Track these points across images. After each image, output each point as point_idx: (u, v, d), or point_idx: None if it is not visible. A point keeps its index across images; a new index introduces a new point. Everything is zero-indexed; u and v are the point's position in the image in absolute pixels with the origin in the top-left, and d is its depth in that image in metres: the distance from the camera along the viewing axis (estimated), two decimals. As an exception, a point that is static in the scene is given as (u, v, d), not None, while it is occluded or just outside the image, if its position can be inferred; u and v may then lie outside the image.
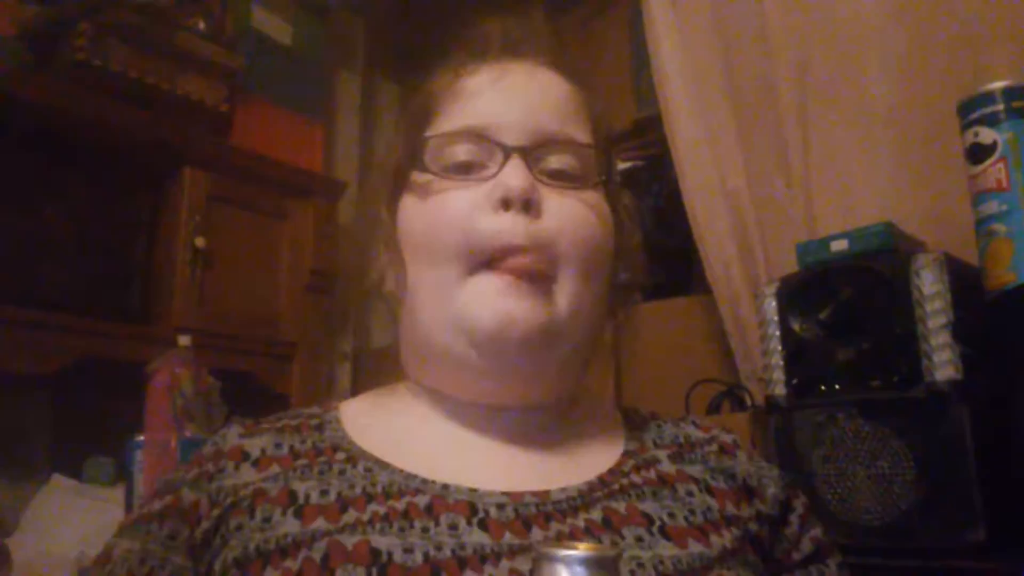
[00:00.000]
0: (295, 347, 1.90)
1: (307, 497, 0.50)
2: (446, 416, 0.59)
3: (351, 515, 0.49)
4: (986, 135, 1.00)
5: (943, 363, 1.00)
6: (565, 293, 0.55)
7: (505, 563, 0.47)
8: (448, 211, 0.55)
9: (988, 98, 1.01)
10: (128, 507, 1.40)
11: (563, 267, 0.55)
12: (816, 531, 0.62)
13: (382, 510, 0.49)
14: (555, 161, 0.58)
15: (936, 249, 1.10)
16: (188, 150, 1.73)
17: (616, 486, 0.54)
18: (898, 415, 1.03)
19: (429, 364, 0.59)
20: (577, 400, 0.63)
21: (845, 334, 1.11)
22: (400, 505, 0.50)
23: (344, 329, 2.26)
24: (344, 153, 2.32)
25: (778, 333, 1.18)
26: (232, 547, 0.49)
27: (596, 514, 0.52)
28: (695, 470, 0.58)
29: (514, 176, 0.54)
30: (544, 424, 0.59)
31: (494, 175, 0.55)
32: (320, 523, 0.49)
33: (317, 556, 0.46)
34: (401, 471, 0.53)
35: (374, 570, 0.45)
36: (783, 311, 1.18)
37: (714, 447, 0.62)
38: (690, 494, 0.55)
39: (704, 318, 1.63)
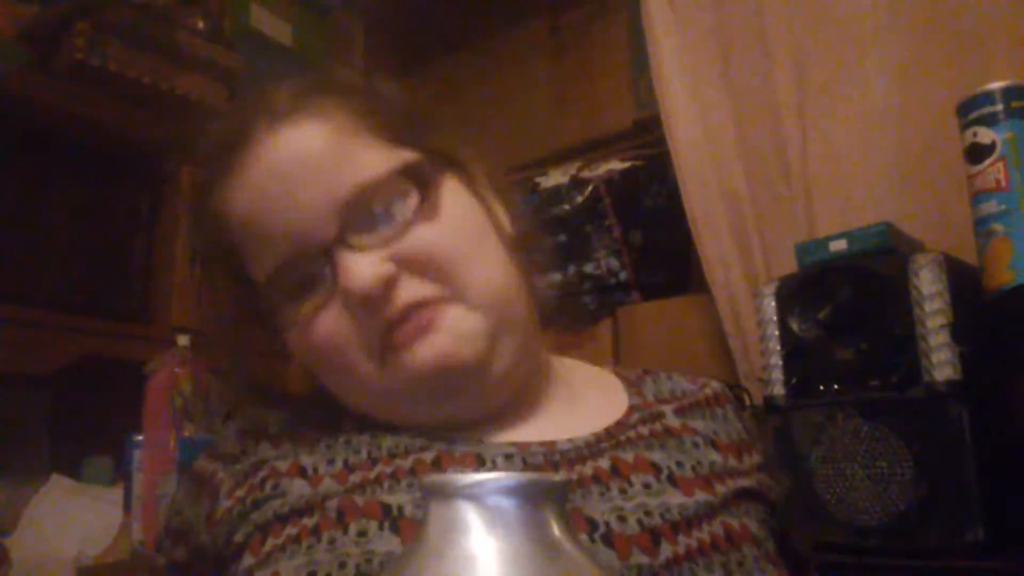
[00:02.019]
0: (294, 347, 1.90)
1: (315, 467, 0.52)
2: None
3: (358, 476, 0.50)
4: (985, 135, 1.00)
5: (942, 363, 1.00)
6: (470, 304, 0.53)
7: None
8: (325, 340, 0.53)
9: (987, 98, 1.01)
10: (127, 507, 1.40)
11: (452, 289, 0.53)
12: None
13: (389, 470, 0.50)
14: (372, 209, 0.52)
15: (935, 249, 1.10)
16: (187, 150, 1.72)
17: (623, 437, 0.54)
18: (897, 415, 1.03)
19: (395, 419, 0.56)
20: (561, 370, 0.63)
21: (844, 334, 1.11)
22: (407, 463, 0.50)
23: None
24: (343, 153, 2.32)
25: (777, 333, 1.18)
26: (252, 519, 0.50)
27: (604, 462, 0.51)
28: (698, 424, 0.58)
29: (353, 274, 0.50)
30: (543, 396, 0.58)
31: (335, 281, 0.51)
32: (329, 484, 0.50)
33: (332, 512, 0.47)
34: (405, 433, 0.54)
35: (386, 523, 0.46)
36: (782, 311, 1.17)
37: (708, 392, 0.63)
38: (696, 446, 0.55)
39: (703, 318, 1.63)
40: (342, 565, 0.44)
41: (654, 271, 1.74)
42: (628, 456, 0.52)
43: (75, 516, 1.46)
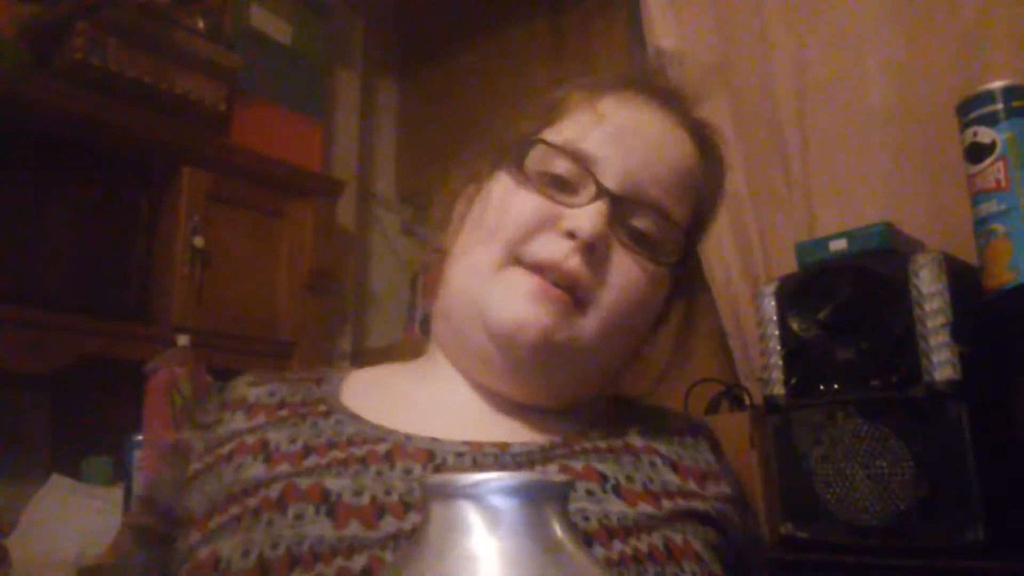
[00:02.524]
0: (294, 346, 1.90)
1: (277, 446, 0.54)
2: (426, 386, 0.61)
3: (312, 460, 0.52)
4: (985, 135, 1.00)
5: (942, 363, 1.00)
6: (590, 332, 0.55)
7: None
8: (519, 213, 0.56)
9: (987, 98, 1.01)
10: (127, 506, 1.40)
11: (599, 309, 0.55)
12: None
13: (341, 455, 0.52)
14: (639, 222, 0.57)
15: (935, 249, 1.10)
16: (187, 149, 1.72)
17: (578, 448, 0.56)
18: (897, 415, 1.03)
19: (447, 332, 0.60)
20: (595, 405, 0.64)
21: (844, 334, 1.11)
22: (360, 452, 0.52)
23: (343, 328, 2.26)
24: (343, 152, 2.32)
25: (777, 333, 1.18)
26: (206, 491, 0.53)
27: (552, 468, 0.53)
28: (662, 447, 0.59)
29: (592, 219, 0.54)
30: (535, 419, 0.59)
31: (579, 205, 0.55)
32: (283, 468, 0.52)
33: (274, 495, 0.49)
34: (369, 423, 0.56)
35: (323, 507, 0.48)
36: (782, 311, 1.18)
37: (684, 424, 0.64)
38: (652, 465, 0.56)
39: (703, 318, 1.63)
40: (275, 545, 0.46)
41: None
42: (577, 465, 0.53)
43: (75, 516, 1.46)
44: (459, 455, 0.52)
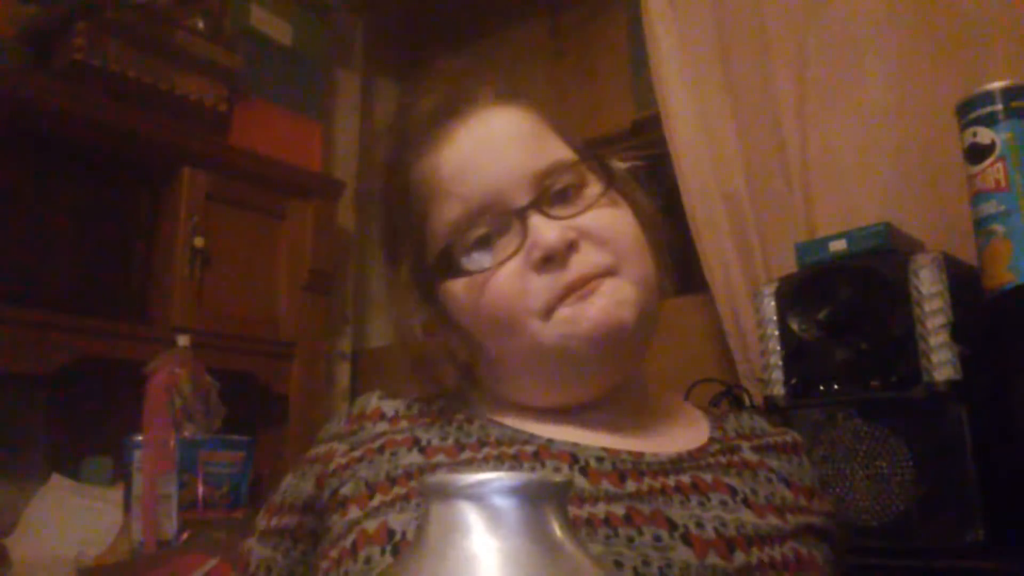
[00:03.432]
0: (294, 347, 1.90)
1: (429, 441, 0.57)
2: (554, 411, 0.62)
3: (467, 454, 0.55)
4: (985, 135, 1.00)
5: (942, 363, 1.00)
6: (630, 283, 0.58)
7: (602, 505, 0.51)
8: (501, 295, 0.58)
9: (987, 98, 1.01)
10: (127, 507, 1.40)
11: (620, 264, 0.58)
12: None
13: (495, 453, 0.55)
14: (557, 187, 0.59)
15: (935, 249, 1.10)
16: (187, 150, 1.72)
17: (704, 462, 0.58)
18: (897, 415, 1.03)
19: (516, 385, 0.62)
20: (651, 395, 0.67)
21: (844, 334, 1.11)
22: (511, 451, 0.55)
23: (343, 329, 2.26)
24: (343, 153, 2.32)
25: (777, 333, 1.18)
26: (362, 477, 0.55)
27: (685, 478, 0.55)
28: (774, 463, 0.61)
29: (543, 233, 0.56)
30: (638, 416, 0.62)
31: (522, 239, 0.57)
32: (441, 458, 0.55)
33: None
34: (511, 427, 0.59)
35: None
36: (782, 311, 1.18)
37: (788, 439, 0.66)
38: (769, 480, 0.59)
39: (703, 318, 1.63)
40: None
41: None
42: (707, 477, 0.56)
43: (74, 516, 1.46)
44: (599, 459, 0.55)
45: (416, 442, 0.57)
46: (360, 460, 0.57)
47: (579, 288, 0.56)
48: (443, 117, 0.63)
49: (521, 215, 0.58)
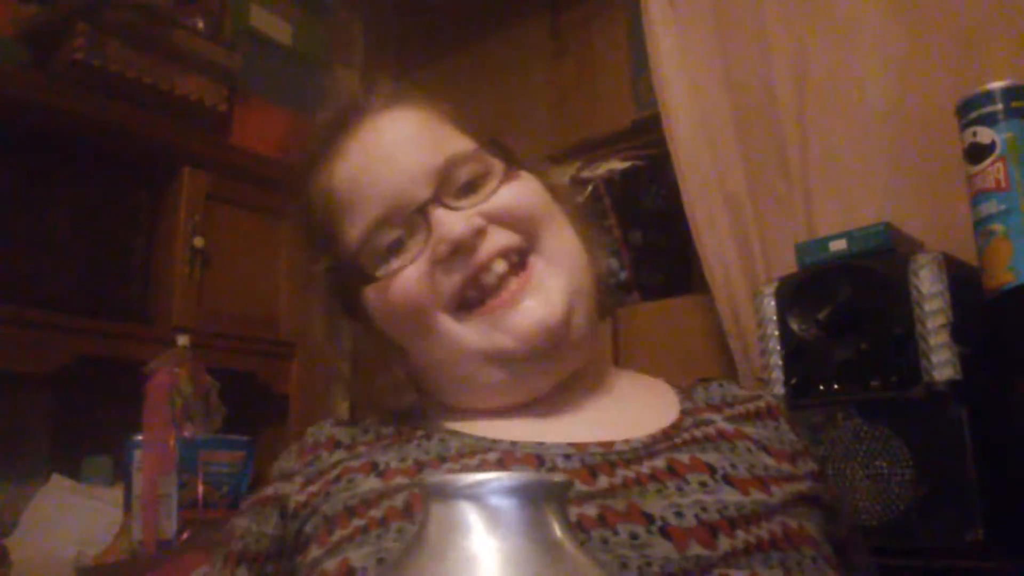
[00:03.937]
0: (294, 347, 1.90)
1: (387, 464, 0.55)
2: (512, 411, 0.61)
3: (428, 473, 0.53)
4: (985, 135, 1.00)
5: (942, 363, 1.00)
6: (552, 254, 0.58)
7: (573, 509, 0.48)
8: (407, 291, 0.58)
9: (987, 98, 1.01)
10: (127, 507, 1.41)
11: (535, 236, 0.58)
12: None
13: (456, 467, 0.53)
14: (460, 179, 0.60)
15: (935, 249, 1.10)
16: (187, 150, 1.73)
17: (678, 440, 0.56)
18: (897, 415, 1.03)
19: (464, 393, 0.61)
20: (613, 373, 0.66)
21: (844, 334, 1.11)
22: (473, 462, 0.53)
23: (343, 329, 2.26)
24: (343, 153, 2.32)
25: (777, 333, 1.18)
26: (322, 511, 0.53)
27: (660, 462, 0.53)
28: (750, 430, 0.59)
29: (446, 226, 0.56)
30: (577, 398, 0.61)
31: (427, 236, 0.57)
32: (400, 480, 0.52)
33: (399, 504, 0.50)
34: (472, 436, 0.57)
35: None
36: (782, 311, 1.17)
37: (761, 404, 0.64)
38: (748, 450, 0.56)
39: (703, 318, 1.63)
40: None
41: (654, 271, 1.74)
42: (683, 457, 0.53)
43: (75, 516, 1.46)
44: (566, 456, 0.53)
45: (374, 467, 0.55)
46: (319, 495, 0.55)
47: (499, 289, 0.56)
48: (334, 132, 0.64)
49: (423, 211, 0.58)
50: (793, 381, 1.14)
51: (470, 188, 0.59)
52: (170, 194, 1.72)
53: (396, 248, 0.59)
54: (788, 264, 1.30)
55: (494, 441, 0.55)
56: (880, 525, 1.02)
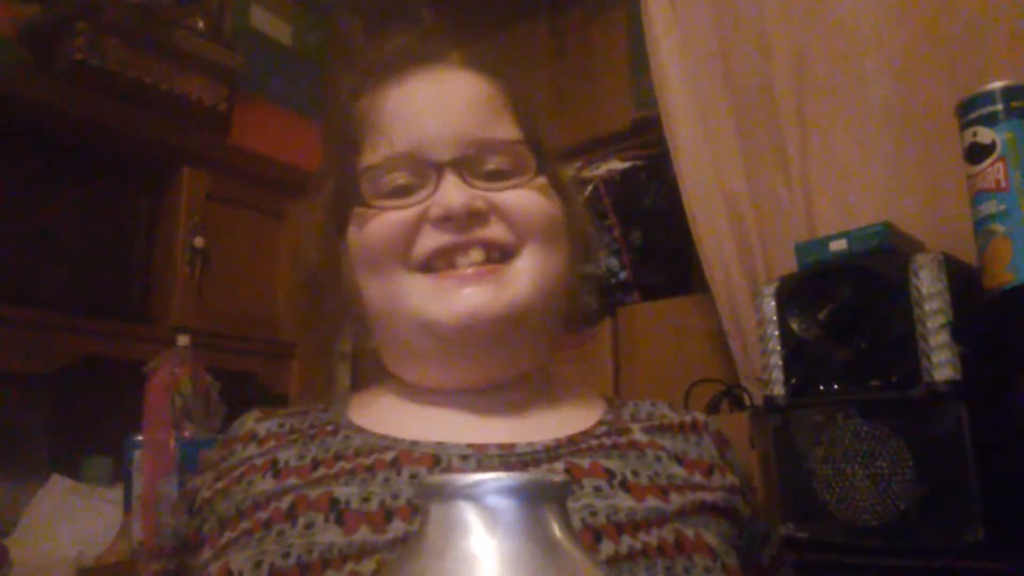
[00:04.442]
0: (294, 347, 1.90)
1: (286, 462, 0.55)
2: (420, 399, 0.61)
3: (320, 472, 0.53)
4: (985, 135, 1.00)
5: (942, 363, 1.00)
6: (526, 270, 0.57)
7: None
8: (387, 230, 0.57)
9: (987, 98, 1.01)
10: (127, 506, 1.40)
11: (522, 246, 0.58)
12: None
13: (349, 466, 0.53)
14: (489, 164, 0.59)
15: (935, 249, 1.10)
16: (187, 150, 1.72)
17: (584, 445, 0.56)
18: (897, 415, 1.03)
19: (400, 362, 0.62)
20: (554, 380, 0.65)
21: (844, 334, 1.11)
22: (367, 461, 0.53)
23: (343, 329, 2.26)
24: (343, 153, 2.32)
25: (777, 333, 1.18)
26: (218, 510, 0.54)
27: (558, 465, 0.53)
28: (667, 442, 0.59)
29: (450, 193, 0.56)
30: (514, 400, 0.60)
31: (431, 194, 0.57)
32: (292, 480, 0.53)
33: (284, 506, 0.50)
34: (375, 434, 0.57)
35: (332, 515, 0.49)
36: (782, 311, 1.17)
37: (687, 419, 0.63)
38: (658, 459, 0.56)
39: (703, 318, 1.63)
40: (285, 555, 0.47)
41: (654, 271, 1.73)
42: (583, 462, 0.54)
43: (75, 516, 1.46)
44: (464, 457, 0.53)
45: (273, 465, 0.55)
46: (222, 492, 0.55)
47: (452, 255, 0.56)
48: (406, 60, 0.63)
49: (439, 170, 0.57)
50: (793, 381, 1.14)
51: (494, 175, 0.59)
52: (170, 194, 1.72)
53: (400, 192, 0.59)
54: (788, 264, 1.30)
55: (395, 440, 0.55)
56: (880, 525, 1.02)
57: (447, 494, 0.27)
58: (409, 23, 0.69)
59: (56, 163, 1.57)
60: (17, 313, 1.45)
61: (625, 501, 0.51)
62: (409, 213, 0.57)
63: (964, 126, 1.04)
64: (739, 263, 1.57)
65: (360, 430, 0.58)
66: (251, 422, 0.61)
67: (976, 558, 0.95)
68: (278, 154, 1.90)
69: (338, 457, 0.54)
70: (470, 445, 0.54)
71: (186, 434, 1.43)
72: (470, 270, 0.56)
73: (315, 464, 0.54)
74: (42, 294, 1.52)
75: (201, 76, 1.73)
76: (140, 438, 1.40)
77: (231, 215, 1.80)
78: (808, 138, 1.50)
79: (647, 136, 1.80)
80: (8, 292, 1.46)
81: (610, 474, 0.53)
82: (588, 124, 1.96)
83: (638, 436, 0.58)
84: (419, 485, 0.28)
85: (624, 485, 0.52)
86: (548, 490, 0.28)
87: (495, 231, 0.57)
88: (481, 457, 0.53)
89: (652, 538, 0.49)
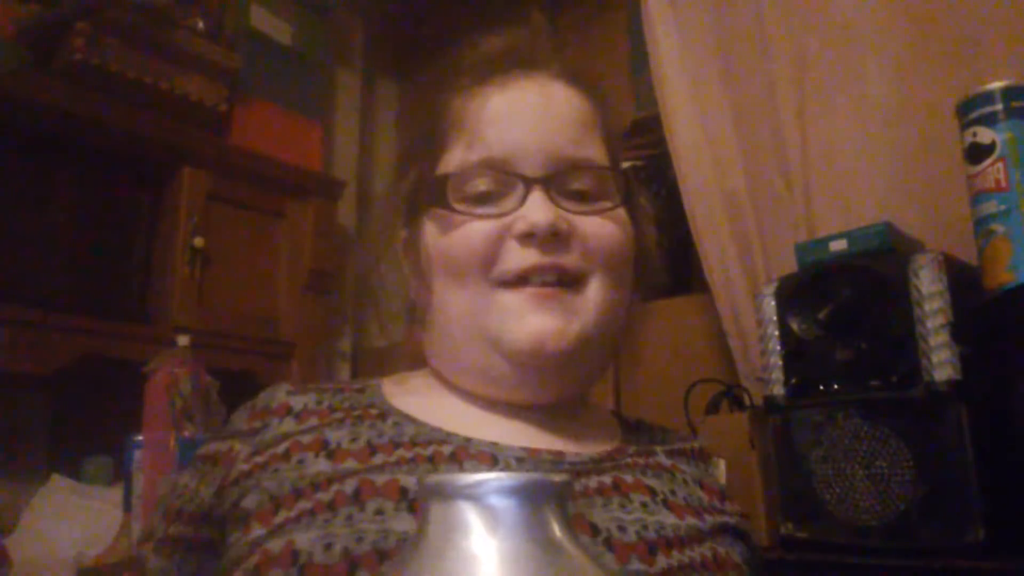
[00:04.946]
0: (294, 347, 1.90)
1: (338, 443, 0.54)
2: (468, 399, 0.61)
3: (380, 458, 0.52)
4: (985, 135, 1.00)
5: (942, 363, 1.00)
6: (593, 301, 0.57)
7: None
8: (472, 241, 0.57)
9: (987, 98, 1.01)
10: (127, 506, 1.40)
11: (592, 275, 0.58)
12: None
13: (408, 455, 0.53)
14: (574, 185, 0.59)
15: (935, 249, 1.10)
16: (187, 150, 1.72)
17: (623, 462, 0.58)
18: (897, 415, 1.03)
19: (461, 372, 0.61)
20: (584, 401, 0.66)
21: (844, 334, 1.11)
22: (426, 452, 0.53)
23: (343, 329, 2.26)
24: (343, 152, 2.32)
25: (777, 333, 1.18)
26: (266, 487, 0.52)
27: (607, 479, 0.55)
28: (686, 467, 0.62)
29: (538, 211, 0.56)
30: (558, 412, 0.61)
31: (516, 207, 0.57)
32: (351, 463, 0.52)
33: (348, 490, 0.49)
34: (428, 425, 0.57)
35: (403, 503, 0.49)
36: (782, 311, 1.18)
37: (695, 445, 0.67)
38: (685, 483, 0.59)
39: (703, 318, 1.63)
40: (359, 539, 0.46)
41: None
42: (628, 477, 0.56)
43: (75, 516, 1.46)
44: (519, 460, 0.54)
45: (324, 445, 0.54)
46: (264, 467, 0.54)
47: (534, 274, 0.56)
48: (510, 62, 0.63)
49: (527, 184, 0.57)
50: (793, 381, 1.14)
51: (579, 196, 0.59)
52: (170, 194, 1.72)
53: (483, 199, 0.58)
54: (788, 264, 1.30)
55: (449, 434, 0.55)
56: (880, 525, 1.02)
57: (447, 494, 0.27)
58: (515, 23, 0.67)
59: (56, 163, 1.57)
60: (17, 313, 1.45)
61: (668, 518, 0.53)
62: (493, 225, 0.57)
63: (964, 126, 1.04)
64: (739, 263, 1.57)
65: (409, 418, 0.57)
66: (283, 395, 0.60)
67: (976, 558, 0.95)
68: (278, 154, 1.91)
69: (395, 444, 0.54)
70: (524, 448, 0.55)
71: (186, 434, 1.43)
72: (547, 289, 0.56)
73: (372, 449, 0.53)
74: (42, 294, 1.52)
75: (201, 76, 1.73)
76: (140, 438, 1.40)
77: (231, 215, 1.80)
78: (807, 138, 1.50)
79: (647, 136, 1.80)
80: (8, 292, 1.46)
81: (652, 492, 0.55)
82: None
83: (661, 459, 0.61)
84: (419, 485, 0.28)
85: (666, 503, 0.54)
86: (548, 490, 0.28)
87: (572, 258, 0.57)
88: (536, 461, 0.54)
89: (695, 554, 0.52)
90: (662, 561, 0.49)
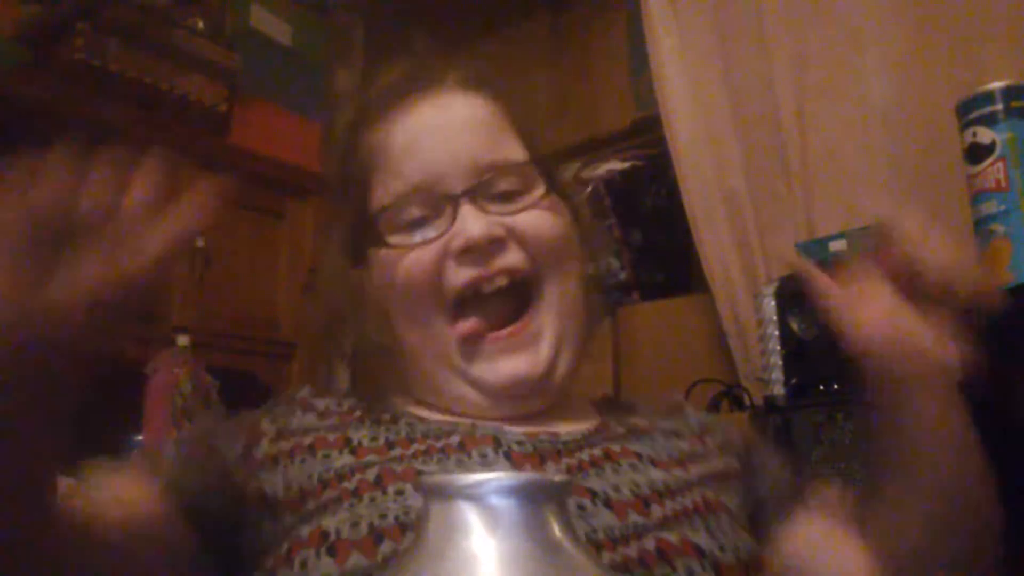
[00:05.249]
0: (294, 347, 1.90)
1: (360, 442, 0.57)
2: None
3: (397, 451, 0.56)
4: (985, 135, 1.00)
5: (942, 363, 1.00)
6: (552, 303, 0.60)
7: None
8: (413, 274, 0.59)
9: (987, 98, 1.01)
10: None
11: (544, 276, 0.60)
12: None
13: (423, 447, 0.56)
14: (500, 186, 0.60)
15: (935, 249, 1.10)
16: (187, 150, 1.73)
17: (609, 434, 0.62)
18: (897, 415, 1.03)
19: (442, 398, 0.63)
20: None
21: (844, 334, 1.11)
22: (438, 444, 0.57)
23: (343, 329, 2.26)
24: (343, 153, 2.32)
25: (777, 333, 1.18)
26: (291, 476, 0.55)
27: (597, 451, 0.58)
28: (663, 423, 0.65)
29: (471, 224, 0.57)
30: (546, 403, 0.63)
31: (449, 225, 0.58)
32: (372, 457, 0.55)
33: (371, 477, 0.53)
34: (435, 420, 0.60)
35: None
36: (782, 311, 1.18)
37: (671, 403, 0.70)
38: (666, 438, 0.63)
39: (703, 318, 1.63)
40: (383, 515, 0.50)
41: (654, 271, 1.74)
42: (615, 447, 0.59)
43: (75, 516, 1.46)
44: (519, 443, 0.57)
45: (347, 442, 0.57)
46: (289, 454, 0.56)
47: (479, 284, 0.58)
48: (405, 92, 0.64)
49: (454, 202, 0.58)
50: (793, 381, 1.15)
51: (506, 197, 0.60)
52: (170, 194, 1.72)
53: (417, 225, 0.60)
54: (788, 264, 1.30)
55: (455, 424, 0.59)
56: (880, 525, 1.02)
57: (447, 494, 0.27)
58: (404, 54, 0.69)
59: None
60: (17, 313, 1.45)
61: (657, 474, 0.57)
62: (431, 250, 0.58)
63: (964, 126, 1.04)
64: (739, 263, 1.57)
65: (420, 419, 0.60)
66: (306, 393, 0.64)
67: (976, 558, 0.95)
68: (278, 154, 1.91)
69: (410, 440, 0.57)
70: (524, 432, 0.58)
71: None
72: (503, 332, 0.58)
73: (390, 444, 0.57)
74: (42, 294, 1.52)
75: (201, 76, 1.73)
76: (140, 438, 1.40)
77: (231, 215, 1.80)
78: (807, 138, 1.50)
79: (647, 136, 1.80)
80: (8, 292, 1.46)
81: (638, 455, 0.58)
82: (588, 124, 1.96)
83: (640, 422, 0.64)
84: (419, 485, 0.28)
85: (652, 462, 0.58)
86: (548, 490, 0.28)
87: (514, 258, 0.59)
88: (535, 442, 0.57)
89: (687, 501, 0.55)
90: (657, 512, 0.53)
